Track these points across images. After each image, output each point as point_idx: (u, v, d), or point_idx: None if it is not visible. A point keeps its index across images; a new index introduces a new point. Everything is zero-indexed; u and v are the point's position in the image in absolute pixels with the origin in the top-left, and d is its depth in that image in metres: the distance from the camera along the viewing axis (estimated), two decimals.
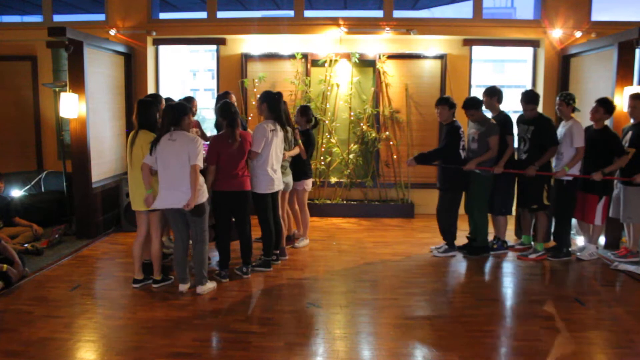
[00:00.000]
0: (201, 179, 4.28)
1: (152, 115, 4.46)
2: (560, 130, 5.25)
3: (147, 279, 4.56)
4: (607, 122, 5.25)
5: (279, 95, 4.93)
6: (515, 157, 5.43)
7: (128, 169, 4.50)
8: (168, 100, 5.25)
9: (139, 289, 4.48)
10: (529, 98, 5.27)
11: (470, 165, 5.26)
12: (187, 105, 4.36)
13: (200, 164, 4.19)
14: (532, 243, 5.54)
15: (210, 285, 4.48)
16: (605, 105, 5.13)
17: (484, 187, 5.36)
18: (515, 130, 5.47)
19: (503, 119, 5.34)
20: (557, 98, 5.31)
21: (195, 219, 4.30)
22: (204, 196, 4.28)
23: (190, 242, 4.50)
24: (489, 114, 5.49)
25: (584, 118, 5.52)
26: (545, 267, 5.17)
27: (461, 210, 5.56)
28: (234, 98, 5.54)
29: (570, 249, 5.42)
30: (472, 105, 5.38)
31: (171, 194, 4.18)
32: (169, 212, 4.30)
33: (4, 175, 6.02)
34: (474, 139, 5.36)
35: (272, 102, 4.87)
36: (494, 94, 5.38)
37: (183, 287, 4.42)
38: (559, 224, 5.39)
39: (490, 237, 5.61)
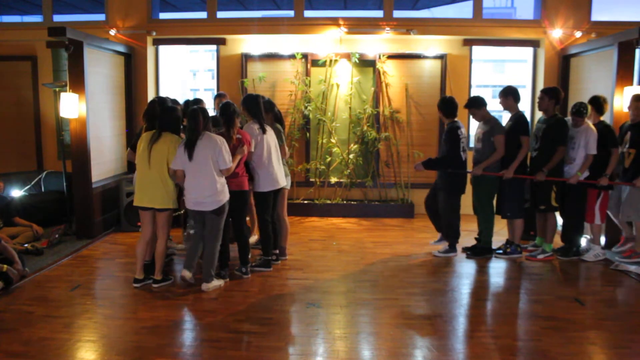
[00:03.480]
0: (223, 179, 4.38)
1: (178, 120, 4.57)
2: (571, 134, 5.20)
3: (148, 279, 4.56)
4: (604, 119, 5.26)
5: (256, 96, 4.94)
6: (528, 155, 5.39)
7: (142, 167, 4.43)
8: (174, 101, 5.30)
9: (139, 288, 4.48)
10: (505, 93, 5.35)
11: (476, 170, 5.24)
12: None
13: (229, 166, 4.33)
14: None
15: (216, 283, 4.51)
16: (593, 104, 5.18)
17: (488, 188, 5.34)
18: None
19: (518, 119, 5.28)
20: (572, 108, 5.19)
21: (214, 217, 4.37)
22: (226, 196, 4.37)
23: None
24: (505, 114, 5.48)
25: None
26: (546, 267, 5.17)
27: (469, 210, 5.55)
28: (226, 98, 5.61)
29: (579, 249, 5.41)
30: (471, 104, 5.39)
31: (195, 196, 4.33)
32: (191, 211, 4.45)
33: (3, 175, 6.02)
34: (479, 139, 5.35)
35: (249, 105, 4.89)
36: (509, 94, 5.32)
37: (185, 273, 4.48)
38: (568, 223, 5.37)
39: (497, 239, 5.60)
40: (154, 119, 4.57)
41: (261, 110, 4.90)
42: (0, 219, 5.78)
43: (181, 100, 5.60)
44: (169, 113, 4.51)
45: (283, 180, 5.01)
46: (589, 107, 5.19)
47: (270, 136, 4.90)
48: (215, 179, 4.29)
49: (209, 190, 4.28)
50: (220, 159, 4.28)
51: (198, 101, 5.49)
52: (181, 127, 4.65)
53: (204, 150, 4.25)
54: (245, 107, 4.92)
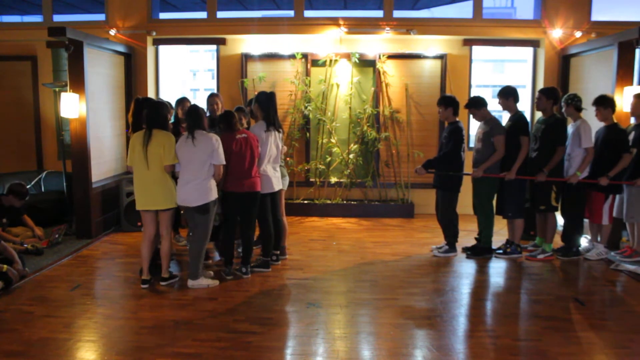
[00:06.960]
0: (210, 179, 4.40)
1: (165, 116, 4.56)
2: (570, 131, 5.22)
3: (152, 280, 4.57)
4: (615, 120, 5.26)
5: (270, 94, 4.91)
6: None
7: (140, 170, 4.39)
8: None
9: (147, 289, 4.47)
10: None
11: (477, 172, 5.24)
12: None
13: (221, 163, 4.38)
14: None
15: (204, 282, 4.51)
16: (601, 104, 5.15)
17: (488, 188, 5.34)
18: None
19: (517, 119, 5.28)
20: (562, 101, 5.29)
21: (197, 216, 4.39)
22: (210, 196, 4.36)
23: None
24: (505, 115, 5.48)
25: (589, 118, 5.50)
26: (546, 267, 5.17)
27: (468, 210, 5.54)
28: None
29: (579, 249, 5.41)
30: (471, 104, 5.39)
31: (183, 191, 4.38)
32: (184, 208, 4.50)
33: (3, 175, 5.99)
34: (479, 139, 5.36)
35: (263, 102, 4.87)
36: (508, 95, 5.32)
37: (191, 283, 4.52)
38: (568, 223, 5.36)
39: (497, 239, 5.59)
40: (140, 118, 4.54)
41: (273, 107, 4.88)
42: (5, 218, 5.76)
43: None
44: (156, 110, 4.46)
45: (278, 184, 5.01)
46: (600, 108, 5.16)
47: (275, 138, 4.90)
48: (202, 178, 4.32)
49: (195, 187, 4.32)
50: (216, 156, 4.32)
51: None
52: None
53: (200, 148, 4.28)
54: (258, 103, 4.89)
